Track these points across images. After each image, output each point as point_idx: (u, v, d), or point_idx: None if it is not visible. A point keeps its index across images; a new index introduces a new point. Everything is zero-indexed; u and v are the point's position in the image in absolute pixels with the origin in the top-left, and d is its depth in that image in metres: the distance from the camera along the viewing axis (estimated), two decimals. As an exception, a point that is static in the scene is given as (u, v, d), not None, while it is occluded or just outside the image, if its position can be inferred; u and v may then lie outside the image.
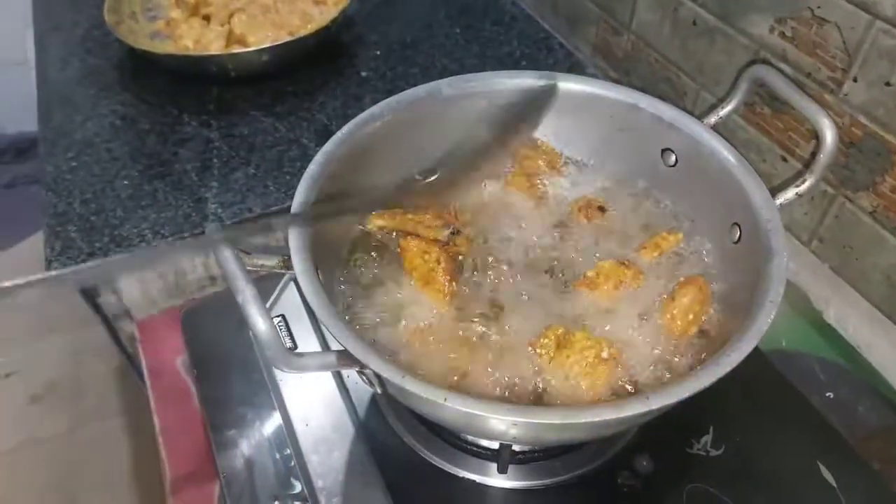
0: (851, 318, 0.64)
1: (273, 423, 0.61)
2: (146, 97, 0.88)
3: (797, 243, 0.66)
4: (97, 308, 0.74)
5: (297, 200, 0.49)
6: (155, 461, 0.63)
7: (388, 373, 0.40)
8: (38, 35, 1.00)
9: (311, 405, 0.60)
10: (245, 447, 0.60)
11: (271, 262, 0.46)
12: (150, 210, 0.73)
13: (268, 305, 0.67)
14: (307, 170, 0.51)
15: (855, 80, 0.56)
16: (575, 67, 0.93)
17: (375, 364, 0.40)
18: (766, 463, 0.57)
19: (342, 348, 0.41)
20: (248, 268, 0.42)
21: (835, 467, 0.56)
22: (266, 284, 0.68)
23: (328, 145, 0.53)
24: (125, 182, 0.76)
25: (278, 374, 0.62)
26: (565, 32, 0.98)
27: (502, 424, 0.41)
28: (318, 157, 0.52)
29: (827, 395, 0.63)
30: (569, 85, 0.61)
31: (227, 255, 0.39)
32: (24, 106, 1.04)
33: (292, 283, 0.68)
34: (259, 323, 0.37)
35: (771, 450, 0.57)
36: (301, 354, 0.40)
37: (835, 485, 0.55)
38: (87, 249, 0.69)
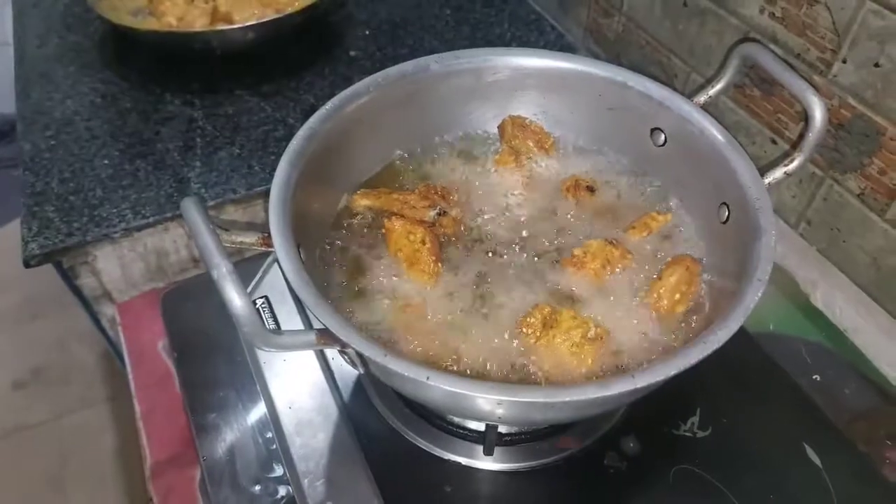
0: (838, 301, 0.64)
1: (255, 406, 0.60)
2: (128, 75, 0.86)
3: (785, 226, 0.66)
4: (76, 290, 0.72)
5: (279, 177, 0.48)
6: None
7: (370, 351, 0.39)
8: (16, 11, 0.97)
9: (295, 388, 0.59)
10: (226, 431, 0.59)
11: (250, 238, 0.45)
12: (131, 190, 0.71)
13: (250, 287, 0.65)
14: (289, 145, 0.50)
15: (844, 61, 0.55)
16: (566, 49, 0.91)
17: (357, 342, 0.40)
18: (753, 444, 0.56)
19: (323, 327, 0.41)
20: (226, 244, 0.41)
21: (820, 448, 0.56)
22: (249, 266, 0.67)
23: (311, 120, 0.52)
24: (105, 161, 0.75)
25: (261, 356, 0.61)
26: (556, 14, 0.97)
27: (488, 404, 0.40)
28: (301, 133, 0.51)
29: (813, 377, 0.63)
30: (558, 63, 0.60)
31: (203, 229, 0.38)
32: (5, 88, 1.02)
33: (276, 266, 0.67)
34: (235, 299, 0.36)
35: (758, 431, 0.57)
36: (280, 332, 0.39)
37: (820, 465, 0.55)
38: (65, 230, 0.67)
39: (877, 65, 0.53)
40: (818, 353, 0.64)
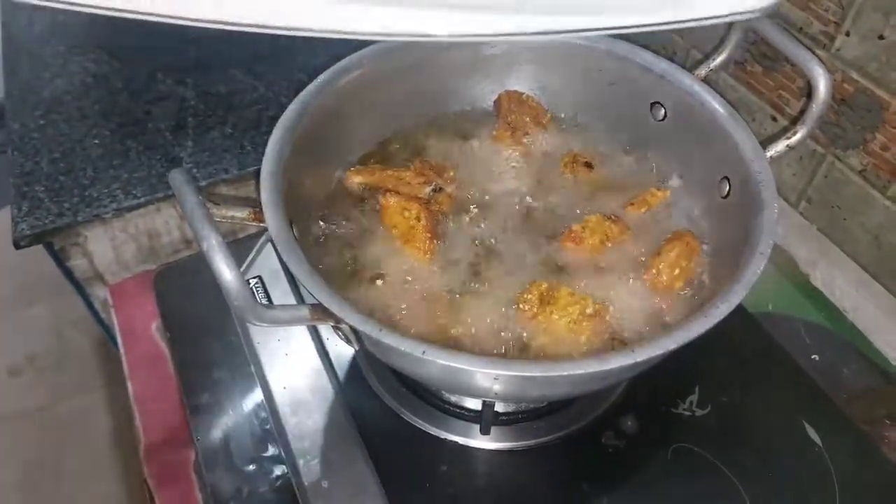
0: (838, 281, 0.63)
1: (250, 386, 0.59)
2: (119, 54, 0.84)
3: (785, 205, 0.65)
4: (68, 272, 0.71)
5: (270, 150, 0.47)
6: (137, 431, 0.62)
7: (364, 326, 0.38)
8: (3, -10, 0.96)
9: (290, 368, 0.58)
10: (220, 411, 0.58)
11: (242, 213, 0.44)
12: (122, 170, 0.70)
13: (244, 267, 0.65)
14: (280, 119, 0.49)
15: (847, 34, 0.54)
16: (563, 28, 0.90)
17: (351, 317, 0.39)
18: (752, 423, 0.56)
19: (316, 302, 0.40)
20: (217, 219, 0.40)
21: (820, 427, 0.56)
22: (242, 246, 0.66)
23: (303, 94, 0.51)
24: (96, 141, 0.73)
25: (255, 336, 0.60)
26: (554, -7, 0.95)
27: (484, 379, 0.40)
28: (293, 106, 0.50)
29: (813, 357, 0.62)
30: (557, 36, 0.59)
31: (192, 200, 0.37)
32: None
33: (269, 246, 0.66)
34: (225, 272, 0.35)
35: (757, 410, 0.57)
36: (271, 307, 0.39)
37: (820, 443, 0.55)
38: (55, 210, 0.66)
39: (881, 37, 0.52)
40: (817, 332, 0.64)
